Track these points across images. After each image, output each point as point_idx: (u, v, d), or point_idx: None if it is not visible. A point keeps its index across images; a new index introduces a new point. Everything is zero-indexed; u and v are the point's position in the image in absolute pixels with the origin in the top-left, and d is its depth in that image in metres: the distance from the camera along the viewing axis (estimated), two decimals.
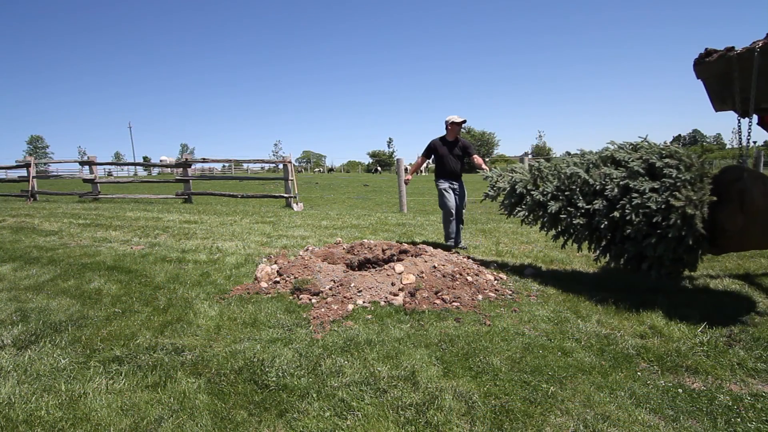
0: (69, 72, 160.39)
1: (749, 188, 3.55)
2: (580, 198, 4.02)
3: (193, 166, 13.08)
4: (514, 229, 7.41)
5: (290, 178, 11.41)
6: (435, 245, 5.60)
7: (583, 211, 4.00)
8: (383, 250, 5.00)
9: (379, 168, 60.00)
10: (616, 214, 3.75)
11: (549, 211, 4.15)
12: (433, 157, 5.90)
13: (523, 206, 4.38)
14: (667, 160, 3.70)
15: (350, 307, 3.56)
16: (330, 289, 3.89)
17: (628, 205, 3.71)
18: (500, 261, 5.18)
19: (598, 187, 3.94)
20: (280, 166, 13.27)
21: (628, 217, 3.70)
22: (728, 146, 75.78)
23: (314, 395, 2.35)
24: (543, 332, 3.12)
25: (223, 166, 49.12)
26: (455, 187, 5.77)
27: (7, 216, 8.78)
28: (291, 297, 3.85)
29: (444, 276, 4.00)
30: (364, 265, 4.77)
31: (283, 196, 11.59)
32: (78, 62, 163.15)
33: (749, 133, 3.70)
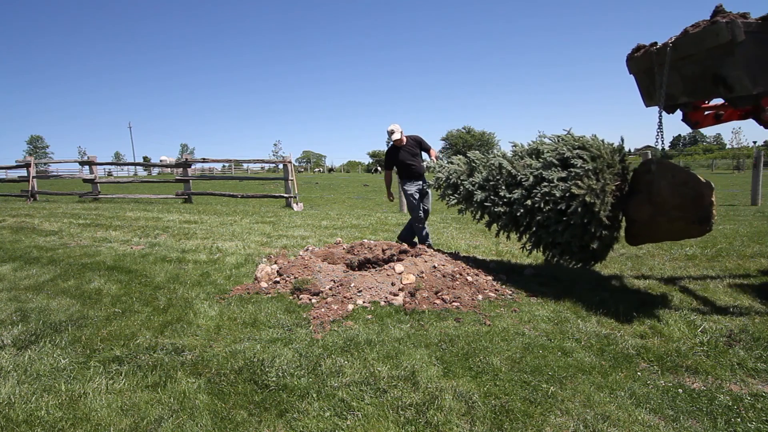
0: (69, 72, 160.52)
1: (656, 180, 3.68)
2: (503, 188, 4.21)
3: (193, 166, 13.08)
4: None
5: (290, 178, 11.41)
6: (435, 245, 5.60)
7: (505, 200, 4.18)
8: (383, 250, 5.00)
9: (379, 168, 59.98)
10: (529, 202, 3.95)
11: (475, 200, 4.37)
12: (395, 166, 5.89)
13: (457, 195, 4.60)
14: (577, 151, 3.85)
15: (350, 307, 3.56)
16: (330, 289, 3.89)
17: (538, 194, 3.90)
18: (500, 261, 5.18)
19: (519, 178, 4.12)
20: (280, 166, 13.27)
21: (537, 205, 3.90)
22: (728, 146, 75.76)
23: (314, 395, 2.35)
24: (543, 332, 3.11)
25: (223, 166, 49.14)
26: (421, 188, 5.74)
27: (7, 216, 8.78)
28: (291, 297, 3.85)
29: (444, 276, 4.00)
30: (364, 265, 4.77)
31: (283, 196, 11.59)
32: (78, 62, 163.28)
33: (660, 125, 3.74)
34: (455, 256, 4.76)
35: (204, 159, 12.91)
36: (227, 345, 2.93)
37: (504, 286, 4.11)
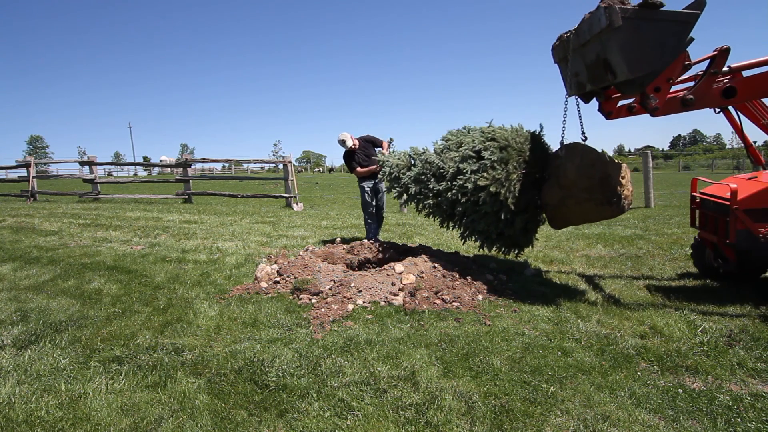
0: (69, 72, 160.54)
1: (564, 163, 3.76)
2: (432, 180, 4.36)
3: (193, 166, 13.08)
4: None
5: (290, 178, 11.41)
6: (435, 245, 5.60)
7: (433, 192, 4.33)
8: (383, 250, 5.00)
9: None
10: (449, 194, 4.11)
11: (410, 192, 4.53)
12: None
13: (399, 188, 4.75)
14: (488, 143, 3.99)
15: (350, 307, 3.56)
16: (330, 289, 3.89)
17: (456, 186, 4.05)
18: (500, 261, 5.18)
19: (443, 171, 4.26)
20: (280, 166, 13.27)
21: (455, 197, 4.06)
22: (728, 146, 75.74)
23: (314, 395, 2.35)
24: (543, 332, 3.11)
25: (223, 166, 49.10)
26: (375, 185, 6.08)
27: (7, 216, 8.78)
28: (291, 297, 3.85)
29: (444, 276, 4.00)
30: (364, 265, 4.77)
31: (283, 196, 11.59)
32: (78, 62, 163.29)
33: (565, 114, 3.79)
34: (455, 256, 4.76)
35: (204, 159, 12.92)
36: (227, 345, 2.93)
37: (504, 286, 4.11)
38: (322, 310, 3.50)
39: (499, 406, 2.25)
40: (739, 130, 3.89)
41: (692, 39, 3.06)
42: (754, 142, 4.36)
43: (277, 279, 4.19)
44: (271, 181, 17.73)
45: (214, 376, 2.55)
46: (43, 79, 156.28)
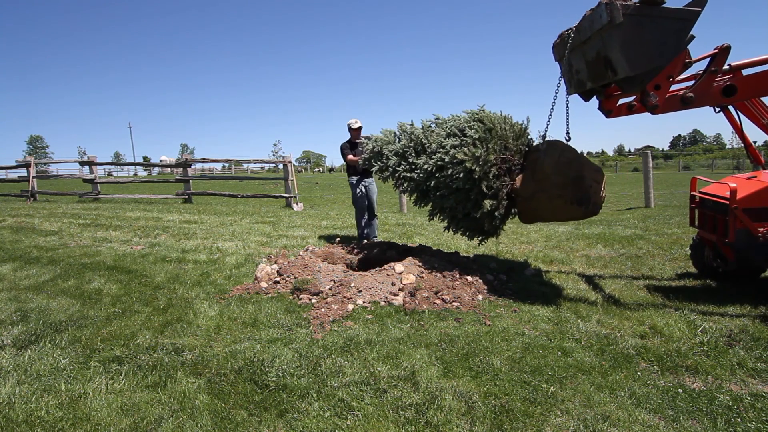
0: (69, 72, 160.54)
1: (543, 158, 3.79)
2: (413, 154, 4.39)
3: (193, 166, 13.07)
4: (514, 229, 7.41)
5: (290, 178, 11.41)
6: (435, 245, 5.60)
7: (412, 166, 4.36)
8: (383, 250, 5.00)
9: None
10: (427, 166, 4.13)
11: (389, 164, 4.56)
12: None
13: (380, 162, 4.77)
14: (474, 123, 4.02)
15: (350, 307, 3.56)
16: (330, 289, 3.89)
17: (434, 158, 4.08)
18: (500, 261, 5.18)
19: (426, 145, 4.30)
20: (280, 166, 13.26)
21: (431, 169, 4.09)
22: (728, 146, 75.74)
23: (314, 395, 2.35)
24: (543, 332, 3.11)
25: (223, 166, 49.09)
26: (367, 184, 6.18)
27: (7, 216, 8.78)
28: (291, 297, 3.85)
29: (444, 276, 4.00)
30: (364, 265, 4.77)
31: (283, 196, 11.59)
32: (78, 62, 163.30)
33: (552, 108, 3.83)
34: (455, 256, 4.76)
35: (204, 159, 12.91)
36: (227, 345, 2.93)
37: (504, 286, 4.11)
38: (322, 310, 3.50)
39: (499, 406, 2.25)
40: (738, 130, 3.88)
41: (693, 37, 3.05)
42: (754, 142, 4.36)
43: (277, 279, 4.19)
44: (271, 181, 17.72)
45: (214, 376, 2.55)
46: (43, 79, 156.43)
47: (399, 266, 4.07)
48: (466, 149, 3.87)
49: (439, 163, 4.04)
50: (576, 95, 3.81)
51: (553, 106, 3.82)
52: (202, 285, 4.23)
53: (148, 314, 3.49)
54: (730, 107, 3.75)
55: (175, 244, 6.08)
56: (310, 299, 3.76)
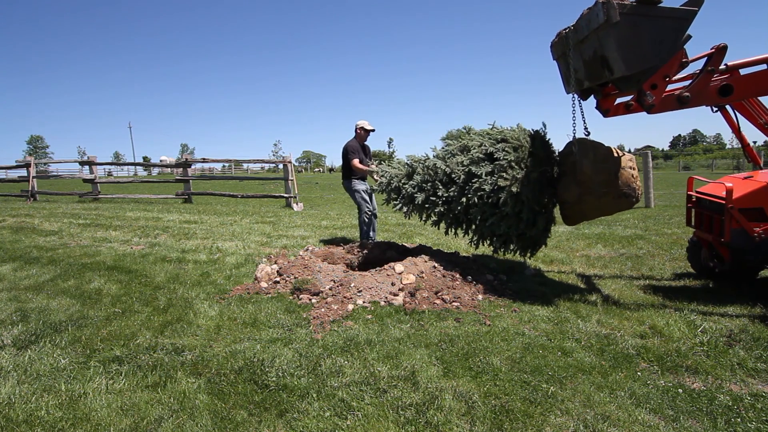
0: (69, 72, 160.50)
1: (579, 159, 3.75)
2: (440, 187, 4.25)
3: (193, 166, 13.07)
4: None
5: (290, 178, 11.41)
6: (435, 245, 5.60)
7: (443, 199, 4.22)
8: (383, 250, 5.00)
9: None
10: (464, 199, 4.02)
11: (417, 202, 4.38)
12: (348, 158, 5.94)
13: (399, 200, 4.63)
14: (500, 144, 3.94)
15: (350, 307, 3.56)
16: (330, 289, 3.89)
17: (471, 190, 3.97)
18: (500, 261, 5.18)
19: (453, 176, 4.16)
20: (280, 166, 13.27)
21: (471, 201, 3.97)
22: (728, 146, 75.77)
23: (314, 395, 2.35)
24: (543, 332, 3.11)
25: (223, 166, 49.14)
26: (368, 188, 5.94)
27: (7, 216, 8.78)
28: (291, 297, 3.85)
29: (444, 276, 4.00)
30: (364, 265, 4.77)
31: (283, 196, 11.59)
32: (78, 62, 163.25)
33: (574, 107, 3.80)
34: (455, 256, 4.76)
35: (204, 159, 12.91)
36: (227, 345, 2.93)
37: (504, 286, 4.11)
38: (322, 310, 3.50)
39: (499, 406, 2.25)
40: (736, 130, 3.90)
41: (690, 36, 3.05)
42: (754, 143, 4.35)
43: (277, 279, 4.19)
44: (271, 181, 17.73)
45: (214, 376, 2.55)
46: (43, 79, 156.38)
47: (399, 266, 4.07)
48: (504, 174, 3.77)
49: (479, 193, 3.91)
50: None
51: (574, 105, 3.78)
52: (202, 285, 4.23)
53: (148, 314, 3.49)
54: (728, 107, 3.75)
55: (175, 244, 6.07)
56: (310, 299, 3.76)
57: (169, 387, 2.44)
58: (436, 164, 4.31)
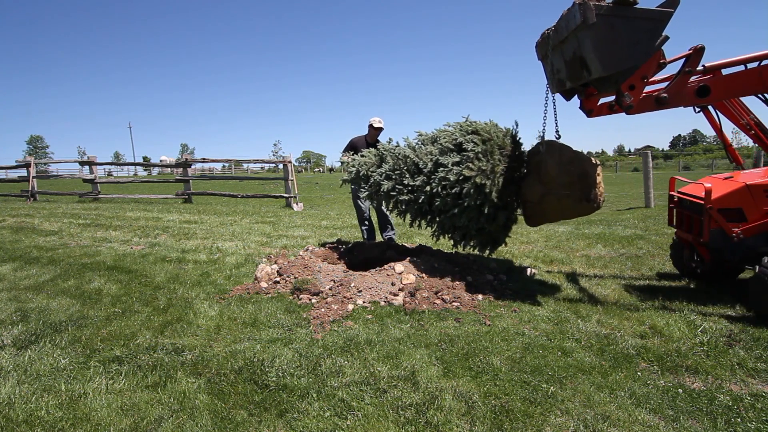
0: (69, 72, 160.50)
1: (545, 159, 3.79)
2: (408, 176, 4.24)
3: (193, 166, 13.08)
4: (514, 229, 7.39)
5: (290, 178, 11.41)
6: (435, 245, 5.60)
7: (409, 187, 4.21)
8: (383, 250, 5.00)
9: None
10: (428, 188, 4.01)
11: (383, 189, 4.37)
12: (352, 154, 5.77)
13: (368, 187, 4.60)
14: (470, 136, 3.95)
15: (350, 307, 3.56)
16: (330, 289, 3.89)
17: (436, 179, 3.96)
18: (500, 261, 5.18)
19: (421, 165, 4.16)
20: (280, 166, 13.27)
21: (436, 190, 3.96)
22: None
23: (314, 395, 2.35)
24: (543, 332, 3.11)
25: (223, 166, 49.12)
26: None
27: (7, 216, 8.78)
28: (291, 297, 3.85)
29: (444, 276, 4.00)
30: (364, 265, 4.77)
31: (283, 196, 11.59)
32: (78, 62, 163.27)
33: (546, 108, 3.87)
34: (455, 256, 4.76)
35: (204, 159, 12.92)
36: (227, 345, 2.93)
37: (504, 286, 4.11)
38: (322, 310, 3.50)
39: (499, 406, 2.25)
40: (718, 130, 3.94)
41: (667, 37, 3.06)
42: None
43: (277, 279, 4.19)
44: (271, 181, 17.73)
45: (214, 376, 2.55)
46: (43, 79, 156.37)
47: (399, 266, 4.07)
48: (471, 165, 3.79)
49: (444, 182, 3.92)
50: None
51: (546, 105, 3.84)
52: (202, 285, 4.23)
53: (148, 314, 3.49)
54: (710, 108, 3.78)
55: (175, 244, 6.07)
56: (310, 299, 3.76)
57: (169, 387, 2.44)
58: (405, 153, 4.34)
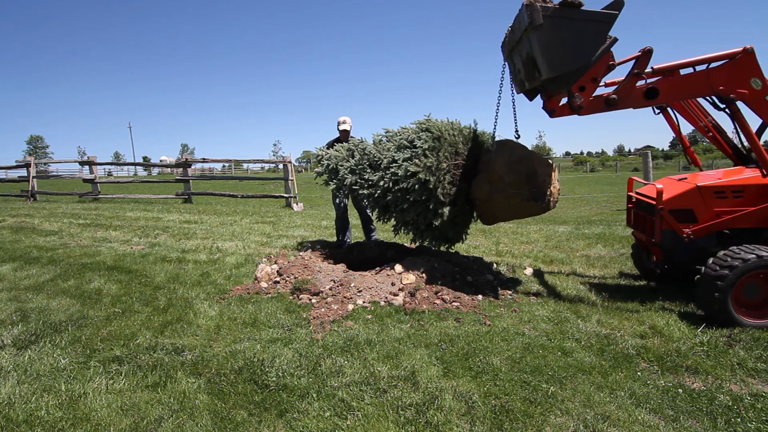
0: (69, 72, 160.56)
1: (494, 158, 3.84)
2: (369, 170, 4.33)
3: (193, 166, 13.07)
4: (514, 229, 7.41)
5: (290, 178, 11.41)
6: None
7: (369, 182, 4.29)
8: (383, 250, 5.01)
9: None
10: (382, 182, 4.09)
11: (346, 183, 4.46)
12: None
13: (335, 180, 4.67)
14: (422, 133, 4.02)
15: (350, 307, 3.56)
16: (330, 289, 3.89)
17: (389, 174, 4.04)
18: (500, 261, 5.18)
19: (379, 161, 4.25)
20: (280, 166, 13.27)
21: (387, 185, 4.05)
22: None
23: (314, 395, 2.35)
24: (543, 332, 3.11)
25: (223, 166, 49.06)
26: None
27: (7, 216, 8.78)
28: (291, 297, 3.85)
29: (444, 276, 4.00)
30: (364, 265, 4.77)
31: (283, 196, 11.59)
32: (78, 62, 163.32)
33: (497, 109, 4.01)
34: (455, 256, 4.76)
35: (204, 159, 12.92)
36: (227, 345, 2.93)
37: (504, 286, 4.11)
38: (322, 310, 3.50)
39: (499, 406, 2.25)
40: (677, 131, 4.02)
41: (616, 39, 3.11)
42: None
43: (277, 279, 4.19)
44: (271, 181, 17.73)
45: (214, 376, 2.55)
46: (43, 79, 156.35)
47: (399, 266, 4.07)
48: (417, 161, 3.88)
49: (394, 177, 4.03)
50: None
51: (498, 105, 3.94)
52: (202, 285, 4.23)
53: (148, 314, 3.49)
54: (669, 110, 3.88)
55: (175, 244, 6.08)
56: (310, 299, 3.76)
57: (169, 387, 2.44)
58: (367, 148, 4.47)
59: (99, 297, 3.91)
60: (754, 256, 3.03)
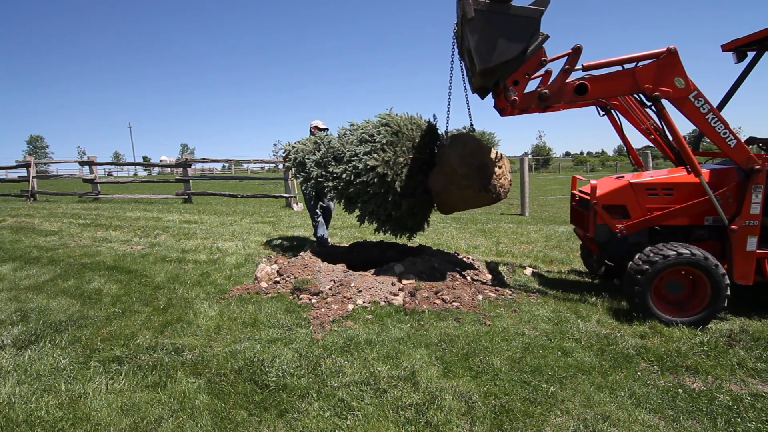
0: (69, 72, 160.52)
1: (448, 152, 3.96)
2: (333, 163, 4.39)
3: (193, 166, 13.07)
4: (514, 229, 7.41)
5: (290, 178, 11.40)
6: (435, 245, 5.60)
7: (333, 175, 4.36)
8: (383, 250, 5.01)
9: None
10: (344, 176, 4.17)
11: (311, 176, 4.54)
12: None
13: (302, 173, 4.75)
14: (382, 128, 4.10)
15: (350, 307, 3.56)
16: (330, 289, 3.89)
17: (350, 167, 4.13)
18: (500, 261, 5.18)
19: (342, 155, 4.33)
20: (280, 166, 13.26)
21: (349, 178, 4.13)
22: None
23: (314, 395, 2.35)
24: (543, 332, 3.11)
25: (223, 166, 49.08)
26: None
27: (7, 216, 8.78)
28: (291, 297, 3.85)
29: (444, 276, 4.00)
30: (364, 265, 4.77)
31: (283, 196, 11.59)
32: (78, 62, 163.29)
33: (449, 103, 4.12)
34: (455, 256, 4.76)
35: (204, 159, 12.91)
36: (227, 345, 2.93)
37: (504, 286, 4.11)
38: (322, 310, 3.50)
39: (499, 406, 2.25)
40: (619, 132, 4.15)
41: (547, 36, 3.21)
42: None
43: (277, 279, 4.19)
44: (271, 181, 17.73)
45: (214, 376, 2.55)
46: (43, 79, 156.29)
47: (399, 266, 4.08)
48: (376, 155, 3.96)
49: (355, 171, 4.11)
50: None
51: (449, 100, 4.06)
52: (202, 285, 4.23)
53: (148, 314, 3.49)
54: (613, 112, 4.03)
55: (175, 244, 6.07)
56: (310, 299, 3.76)
57: (169, 387, 2.44)
58: (331, 141, 4.54)
59: (99, 297, 3.91)
60: (674, 253, 3.15)
